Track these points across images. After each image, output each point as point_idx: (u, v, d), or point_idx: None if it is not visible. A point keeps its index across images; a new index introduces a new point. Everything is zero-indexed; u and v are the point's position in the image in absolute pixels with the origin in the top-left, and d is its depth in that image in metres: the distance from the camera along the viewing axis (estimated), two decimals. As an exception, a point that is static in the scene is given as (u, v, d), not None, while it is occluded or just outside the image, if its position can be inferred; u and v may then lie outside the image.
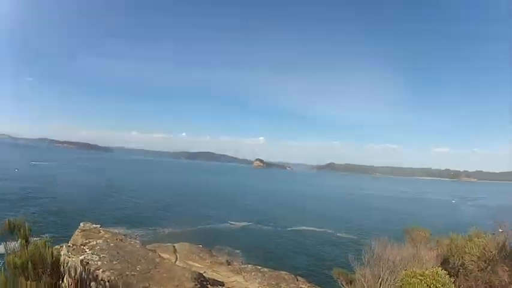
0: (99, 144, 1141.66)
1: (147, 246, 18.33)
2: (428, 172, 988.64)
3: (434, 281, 18.00)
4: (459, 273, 25.18)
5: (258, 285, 16.67)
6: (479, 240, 25.99)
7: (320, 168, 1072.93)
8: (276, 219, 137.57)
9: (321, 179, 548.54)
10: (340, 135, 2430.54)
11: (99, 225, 18.56)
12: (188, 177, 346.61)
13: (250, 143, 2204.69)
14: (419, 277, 18.36)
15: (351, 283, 29.43)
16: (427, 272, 18.71)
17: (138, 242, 17.88)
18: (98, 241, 15.33)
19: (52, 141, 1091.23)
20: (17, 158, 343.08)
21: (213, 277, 16.58)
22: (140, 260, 13.75)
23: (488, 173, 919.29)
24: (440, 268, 19.50)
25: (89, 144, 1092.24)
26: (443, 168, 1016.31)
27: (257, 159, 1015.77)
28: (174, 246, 20.36)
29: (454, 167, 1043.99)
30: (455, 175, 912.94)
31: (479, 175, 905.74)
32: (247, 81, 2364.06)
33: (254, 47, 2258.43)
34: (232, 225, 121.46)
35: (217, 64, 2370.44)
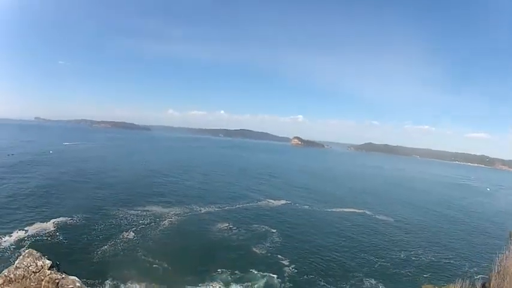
0: (136, 123, 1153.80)
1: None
2: (465, 157, 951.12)
3: None
4: None
5: None
6: None
7: (358, 148, 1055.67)
8: (317, 199, 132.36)
9: (359, 159, 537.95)
10: (379, 115, 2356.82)
11: (47, 261, 11.45)
12: (227, 155, 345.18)
13: (289, 121, 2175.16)
14: None
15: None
16: None
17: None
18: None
19: (90, 121, 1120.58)
20: (52, 139, 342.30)
21: None
22: None
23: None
24: None
25: (125, 122, 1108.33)
26: (479, 153, 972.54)
27: (295, 137, 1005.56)
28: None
29: (490, 153, 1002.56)
30: (490, 162, 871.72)
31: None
32: (287, 59, 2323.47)
33: (292, 26, 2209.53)
34: (270, 204, 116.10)
35: (257, 42, 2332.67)
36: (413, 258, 73.98)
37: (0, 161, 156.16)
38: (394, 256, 74.37)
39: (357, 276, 61.45)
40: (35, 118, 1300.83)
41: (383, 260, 70.60)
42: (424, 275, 64.58)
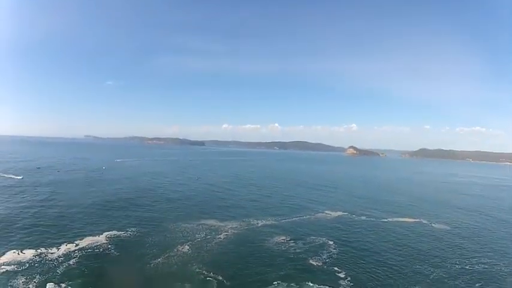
0: (190, 139, 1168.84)
1: None
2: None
3: None
4: None
5: None
6: None
7: (412, 154, 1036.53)
8: (373, 208, 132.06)
9: (413, 166, 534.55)
10: (431, 119, 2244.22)
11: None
12: (283, 167, 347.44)
13: (343, 130, 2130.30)
14: None
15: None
16: None
17: None
18: None
19: (142, 138, 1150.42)
20: (104, 156, 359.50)
21: None
22: None
23: None
24: None
25: (178, 138, 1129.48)
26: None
27: (350, 147, 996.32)
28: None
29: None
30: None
31: None
32: (337, 67, 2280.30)
33: (337, 33, 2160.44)
34: (328, 215, 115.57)
35: (303, 52, 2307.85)
36: (468, 267, 72.15)
37: (51, 177, 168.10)
38: (448, 265, 72.98)
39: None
40: (85, 136, 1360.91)
41: (438, 270, 69.34)
42: (477, 285, 63.56)
